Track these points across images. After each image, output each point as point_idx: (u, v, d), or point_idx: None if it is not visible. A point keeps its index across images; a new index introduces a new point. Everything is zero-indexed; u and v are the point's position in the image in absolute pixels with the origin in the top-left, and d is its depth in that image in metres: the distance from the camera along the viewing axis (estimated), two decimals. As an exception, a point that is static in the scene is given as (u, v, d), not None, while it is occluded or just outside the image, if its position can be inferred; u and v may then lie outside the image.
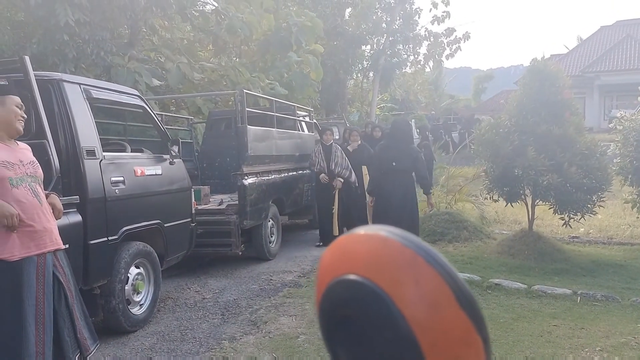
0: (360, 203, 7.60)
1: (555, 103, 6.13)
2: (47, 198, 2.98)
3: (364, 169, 7.52)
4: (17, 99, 2.87)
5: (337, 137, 8.43)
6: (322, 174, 7.39)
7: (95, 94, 4.06)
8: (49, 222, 2.90)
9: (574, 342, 3.94)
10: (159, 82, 10.70)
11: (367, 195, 6.88)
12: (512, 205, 6.65)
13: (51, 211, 2.96)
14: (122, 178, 4.10)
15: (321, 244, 7.53)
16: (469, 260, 6.31)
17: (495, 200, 6.57)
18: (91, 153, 3.83)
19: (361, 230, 0.59)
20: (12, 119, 2.81)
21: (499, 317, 4.49)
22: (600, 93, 29.52)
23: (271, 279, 5.80)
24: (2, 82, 2.87)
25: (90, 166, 3.80)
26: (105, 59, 9.54)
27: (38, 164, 2.99)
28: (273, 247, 6.80)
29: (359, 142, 7.87)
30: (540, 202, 6.44)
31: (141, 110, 4.83)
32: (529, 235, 6.62)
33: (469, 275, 5.58)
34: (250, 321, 4.47)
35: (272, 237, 6.80)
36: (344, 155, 7.46)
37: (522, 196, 6.40)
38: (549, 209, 6.34)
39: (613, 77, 27.87)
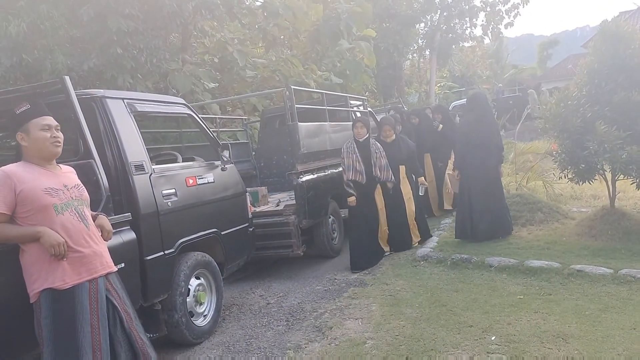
0: (399, 211, 6.43)
1: (633, 67, 5.55)
2: (95, 220, 2.93)
3: (401, 169, 6.50)
4: (46, 120, 2.79)
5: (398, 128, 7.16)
6: (352, 197, 5.95)
7: (140, 107, 4.00)
8: (97, 246, 2.85)
9: (673, 335, 3.52)
10: (215, 84, 10.77)
11: (451, 170, 7.23)
12: (589, 182, 6.12)
13: (100, 234, 2.91)
14: (173, 190, 4.04)
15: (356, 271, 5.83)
16: (545, 245, 5.87)
17: (571, 179, 6.07)
18: (140, 168, 3.78)
19: None
20: (41, 146, 2.75)
21: (585, 309, 4.10)
22: (680, 47, 27.24)
23: (335, 279, 5.63)
24: (24, 107, 2.80)
25: (140, 181, 3.74)
26: (160, 66, 9.67)
27: (83, 187, 2.94)
28: (336, 243, 6.63)
29: (394, 136, 6.52)
30: (622, 177, 5.89)
31: (189, 118, 4.75)
32: (611, 213, 6.08)
33: (547, 262, 5.17)
34: (315, 327, 4.32)
35: (334, 233, 6.62)
36: (384, 152, 6.18)
37: (601, 172, 5.88)
38: (632, 184, 5.79)
39: (694, 29, 25.64)
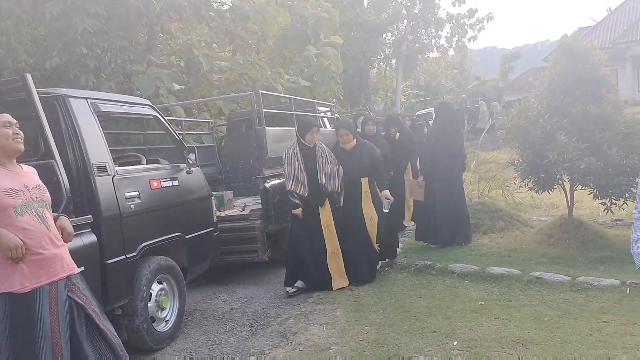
0: (357, 234, 5.41)
1: (590, 81, 5.75)
2: (56, 221, 2.85)
3: (363, 181, 5.43)
4: (5, 117, 2.72)
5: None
6: (298, 209, 5.18)
7: (104, 107, 3.92)
8: (58, 248, 2.76)
9: (627, 340, 3.63)
10: (180, 86, 10.64)
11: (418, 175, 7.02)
12: (548, 192, 6.30)
13: (61, 235, 2.83)
14: (137, 192, 3.96)
15: (291, 290, 5.25)
16: (506, 252, 6.01)
17: (531, 188, 6.23)
18: (102, 169, 3.70)
19: None
20: (4, 142, 2.68)
21: (543, 315, 4.20)
22: (633, 64, 28.38)
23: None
24: None
25: (102, 183, 3.66)
26: (125, 66, 9.51)
27: (45, 188, 2.85)
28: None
29: (353, 142, 5.47)
30: (580, 187, 6.08)
31: (154, 120, 4.67)
32: (569, 222, 6.26)
33: (508, 269, 5.29)
34: (279, 332, 4.29)
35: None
36: (333, 158, 5.34)
37: (560, 182, 6.05)
38: (589, 194, 5.98)
39: (646, 47, 26.76)
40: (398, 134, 7.82)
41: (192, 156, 4.75)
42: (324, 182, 5.17)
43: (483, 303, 4.58)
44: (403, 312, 4.48)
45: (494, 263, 5.57)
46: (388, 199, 5.38)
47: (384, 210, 5.40)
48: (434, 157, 6.49)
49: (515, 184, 7.68)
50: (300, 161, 5.16)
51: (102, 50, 9.05)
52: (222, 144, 8.51)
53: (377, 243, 5.46)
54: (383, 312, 4.54)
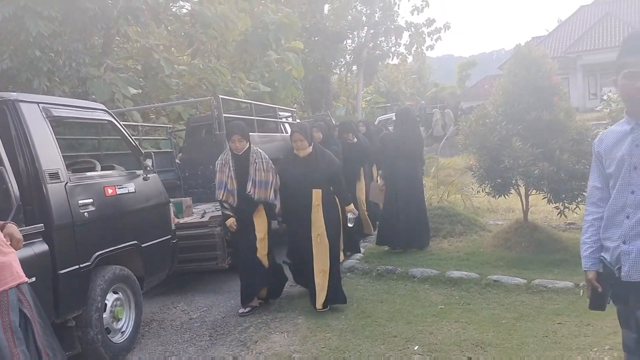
0: (303, 252, 4.88)
1: (543, 88, 5.91)
2: (3, 229, 2.73)
3: (315, 194, 4.75)
4: None
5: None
6: (230, 219, 4.82)
7: (56, 112, 3.78)
8: (6, 256, 2.64)
9: (580, 341, 3.74)
10: (137, 91, 10.42)
11: (378, 179, 7.03)
12: (505, 197, 6.44)
13: (9, 243, 2.71)
14: (91, 200, 3.83)
15: (245, 310, 4.89)
16: (465, 256, 6.11)
17: (488, 193, 6.36)
18: (55, 176, 3.56)
19: None
20: None
21: (501, 318, 4.28)
22: (584, 73, 29.51)
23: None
24: None
25: (54, 190, 3.52)
26: (79, 70, 9.25)
27: None
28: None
29: (309, 149, 4.83)
30: (534, 191, 6.24)
31: (109, 125, 4.55)
32: (525, 226, 6.41)
33: (466, 272, 5.38)
34: (239, 341, 4.22)
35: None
36: (270, 165, 4.87)
37: (515, 187, 6.20)
38: (543, 198, 6.14)
39: (595, 56, 27.86)
40: (355, 139, 7.55)
41: (148, 162, 4.64)
42: (249, 190, 4.74)
43: (443, 307, 4.64)
44: (365, 318, 4.48)
45: (453, 267, 5.65)
46: (353, 214, 5.02)
47: (349, 225, 5.07)
48: (394, 162, 6.56)
49: (473, 188, 7.85)
50: (232, 169, 4.82)
51: (56, 53, 8.79)
52: (181, 149, 8.37)
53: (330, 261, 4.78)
54: (345, 318, 4.53)
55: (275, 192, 4.89)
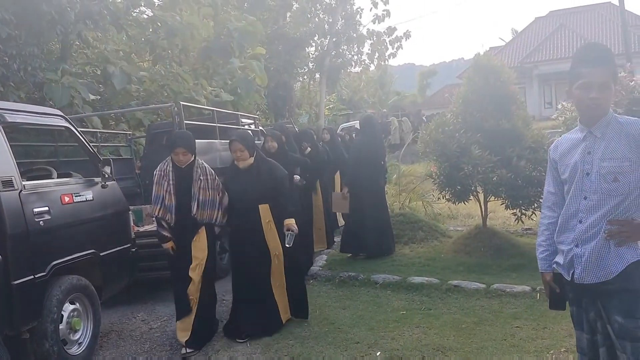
0: (256, 277, 4.41)
1: (501, 97, 6.08)
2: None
3: (262, 209, 4.37)
4: None
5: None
6: (169, 242, 4.22)
7: (10, 117, 3.67)
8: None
9: (538, 343, 3.84)
10: (96, 96, 10.19)
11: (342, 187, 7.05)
12: (464, 203, 6.58)
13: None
14: (46, 208, 3.72)
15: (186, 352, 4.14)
16: (426, 262, 6.20)
17: (448, 200, 6.48)
18: (8, 184, 3.45)
19: None
20: None
21: (461, 322, 4.36)
22: (539, 82, 30.47)
23: (224, 299, 5.49)
24: None
25: (7, 198, 3.40)
26: (35, 75, 8.99)
27: None
28: (224, 264, 6.47)
29: (250, 160, 4.38)
30: (493, 198, 6.40)
31: (67, 131, 4.44)
32: (484, 231, 6.56)
33: (427, 278, 5.46)
34: (201, 351, 4.16)
35: (223, 254, 6.47)
36: (216, 182, 4.32)
37: (474, 193, 6.34)
38: (501, 204, 6.30)
39: (550, 66, 28.81)
40: (309, 148, 7.00)
41: (107, 169, 4.55)
42: (194, 212, 4.14)
43: (405, 312, 4.69)
44: (328, 325, 4.49)
45: (414, 273, 5.73)
46: (290, 231, 4.33)
47: (286, 245, 4.34)
48: (357, 169, 6.61)
49: (433, 195, 7.98)
50: (171, 183, 4.17)
51: (10, 57, 8.52)
52: (141, 156, 8.22)
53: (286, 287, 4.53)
54: (308, 325, 4.53)
55: (224, 213, 4.37)
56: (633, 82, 6.20)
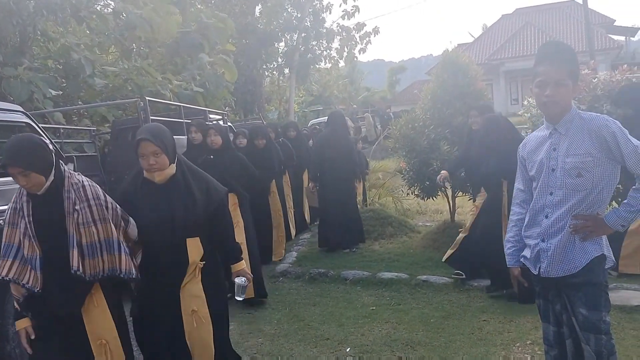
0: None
1: (469, 94, 6.15)
2: None
3: (192, 245, 2.79)
4: None
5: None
6: (22, 321, 2.56)
7: (-35, 113, 3.51)
8: None
9: (505, 337, 3.90)
10: (57, 92, 9.90)
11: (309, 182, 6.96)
12: (433, 199, 6.64)
13: None
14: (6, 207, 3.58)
15: None
16: (395, 257, 6.24)
17: (417, 195, 6.53)
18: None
19: None
20: None
21: (430, 317, 4.40)
22: (506, 79, 31.03)
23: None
24: None
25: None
26: (-9, 69, 8.68)
27: None
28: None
29: (170, 171, 2.80)
30: (461, 193, 6.47)
31: (27, 127, 4.29)
32: (452, 226, 6.63)
33: (397, 273, 5.49)
34: None
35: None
36: (111, 209, 2.60)
37: (443, 189, 6.39)
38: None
39: (517, 63, 29.35)
40: (264, 144, 6.26)
41: (70, 166, 4.42)
42: (76, 266, 2.42)
43: (374, 308, 4.70)
44: (297, 322, 4.47)
45: (384, 268, 5.76)
46: (241, 283, 2.98)
47: (236, 298, 3.07)
48: (325, 164, 6.62)
49: (403, 191, 8.02)
50: (28, 222, 2.45)
51: (-38, 51, 8.22)
52: (106, 152, 8.03)
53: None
54: (277, 322, 4.50)
55: (135, 253, 2.73)
56: (596, 79, 6.33)
